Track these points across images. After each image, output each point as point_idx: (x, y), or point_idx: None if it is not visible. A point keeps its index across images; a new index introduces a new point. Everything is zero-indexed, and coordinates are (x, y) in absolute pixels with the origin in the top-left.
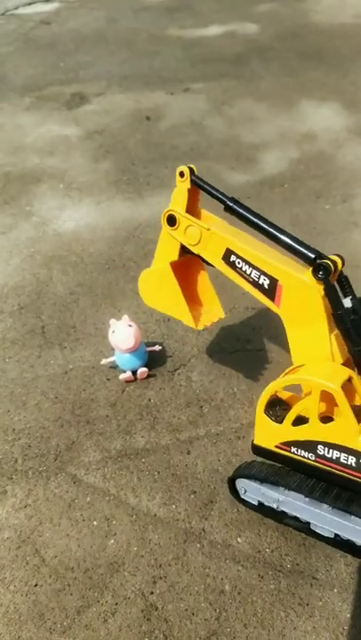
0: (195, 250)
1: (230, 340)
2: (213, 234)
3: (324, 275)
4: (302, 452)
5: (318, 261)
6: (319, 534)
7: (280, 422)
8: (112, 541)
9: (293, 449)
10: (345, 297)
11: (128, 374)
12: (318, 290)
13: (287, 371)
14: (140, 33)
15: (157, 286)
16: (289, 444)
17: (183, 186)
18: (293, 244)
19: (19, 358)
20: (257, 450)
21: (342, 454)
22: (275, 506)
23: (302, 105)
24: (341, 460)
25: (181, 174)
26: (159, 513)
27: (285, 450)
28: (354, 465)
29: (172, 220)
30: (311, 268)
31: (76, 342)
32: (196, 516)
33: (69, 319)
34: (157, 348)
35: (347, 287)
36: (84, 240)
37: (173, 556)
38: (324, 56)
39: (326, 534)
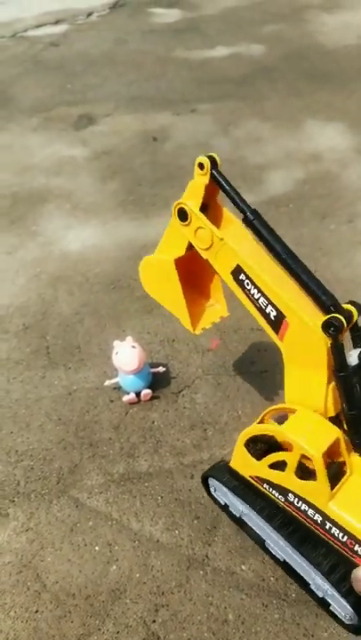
0: (204, 255)
1: (235, 361)
2: (226, 245)
3: (335, 333)
4: (273, 491)
5: (331, 316)
6: (272, 554)
7: (258, 458)
8: (114, 567)
9: (266, 485)
10: (355, 347)
11: (132, 396)
12: (326, 342)
13: (270, 409)
14: (147, 55)
15: (158, 278)
16: (262, 480)
17: (201, 180)
18: (310, 284)
19: (23, 379)
20: (231, 471)
21: (310, 509)
22: (237, 515)
23: (308, 125)
24: (309, 513)
25: (201, 166)
26: (162, 538)
27: (258, 483)
28: (319, 522)
29: (183, 215)
30: (322, 321)
31: (81, 363)
32: (199, 542)
33: (74, 339)
34: (161, 369)
35: (357, 337)
36: (90, 260)
37: (176, 584)
38: (330, 77)
39: (278, 556)
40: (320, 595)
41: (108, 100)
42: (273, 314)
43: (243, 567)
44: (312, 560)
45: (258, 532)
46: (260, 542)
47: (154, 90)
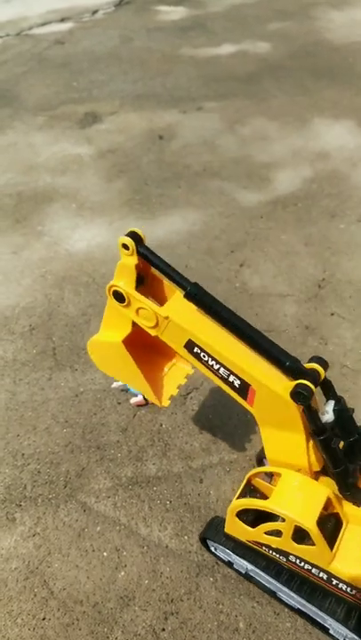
0: (151, 332)
1: None
2: (172, 322)
3: (305, 401)
4: (274, 553)
5: (298, 383)
6: (286, 603)
7: (252, 525)
8: (122, 574)
9: (265, 548)
10: (328, 400)
11: (139, 398)
12: (297, 408)
13: (254, 472)
14: (153, 52)
15: (110, 358)
16: (261, 544)
17: (129, 261)
18: (270, 350)
19: (29, 380)
20: (227, 536)
21: (314, 568)
22: (243, 571)
23: (315, 123)
24: (313, 571)
25: (125, 247)
26: (171, 544)
27: (257, 545)
28: (325, 579)
29: (119, 297)
30: (289, 390)
31: (87, 364)
32: None
33: (80, 341)
34: None
35: (330, 390)
36: (96, 260)
37: (185, 591)
38: (337, 74)
39: (292, 605)
40: (341, 639)
41: (113, 97)
42: (237, 382)
43: None
44: (326, 610)
45: (267, 585)
46: (271, 593)
47: (160, 88)
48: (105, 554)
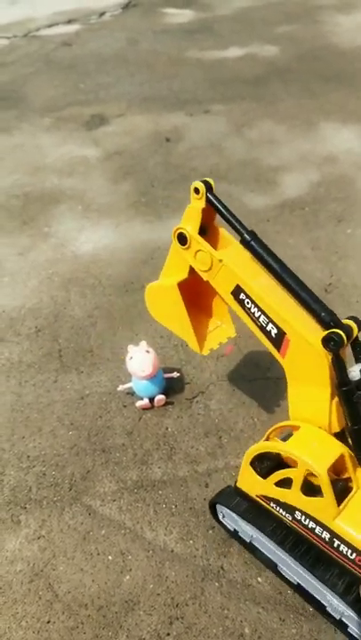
0: (204, 276)
1: (250, 367)
2: (225, 266)
3: (335, 347)
4: (281, 510)
5: (330, 331)
6: (285, 577)
7: (264, 477)
8: (127, 577)
9: (273, 504)
10: (357, 362)
11: (145, 401)
12: (327, 357)
13: (275, 427)
14: (160, 55)
15: (163, 302)
16: (269, 499)
17: (197, 204)
18: (308, 301)
19: (35, 382)
20: (238, 491)
21: (318, 526)
22: (248, 540)
23: (322, 127)
24: (316, 531)
25: (196, 191)
26: (176, 549)
27: (265, 502)
28: (327, 539)
29: (182, 239)
30: (322, 336)
31: (93, 367)
32: (214, 552)
33: (86, 343)
34: (175, 374)
35: (359, 351)
36: (103, 262)
37: (191, 595)
38: (345, 78)
39: (291, 580)
40: (337, 617)
41: (120, 99)
42: (274, 331)
43: (259, 579)
44: (326, 581)
45: (269, 555)
46: (272, 566)
47: (166, 90)
48: (110, 557)
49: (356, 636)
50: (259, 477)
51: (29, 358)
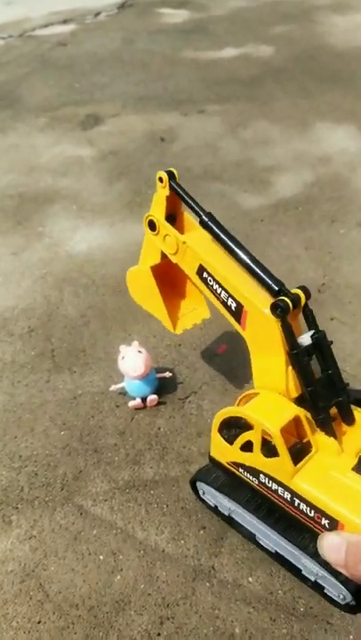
0: (172, 259)
1: (243, 367)
2: (188, 248)
3: (282, 313)
4: (248, 474)
5: (278, 299)
6: (264, 547)
7: (231, 443)
8: (118, 577)
9: (241, 470)
10: (309, 330)
11: (137, 401)
12: (277, 324)
13: (243, 395)
14: (155, 55)
15: (141, 285)
16: (237, 465)
17: (162, 192)
18: (259, 273)
19: (27, 382)
20: (212, 460)
21: (279, 487)
22: (227, 513)
23: (317, 127)
24: (279, 492)
25: (160, 180)
26: (167, 548)
27: (235, 468)
28: (288, 499)
29: (152, 226)
30: (270, 304)
31: (86, 367)
32: (205, 552)
33: (79, 343)
34: (168, 374)
35: (311, 320)
36: (97, 262)
37: (182, 595)
38: (340, 78)
39: (269, 549)
40: (312, 579)
41: (115, 99)
42: (233, 305)
43: (250, 579)
44: (298, 544)
45: (247, 526)
46: (251, 538)
47: (161, 90)
48: (101, 557)
49: (332, 596)
50: (226, 444)
51: (22, 358)
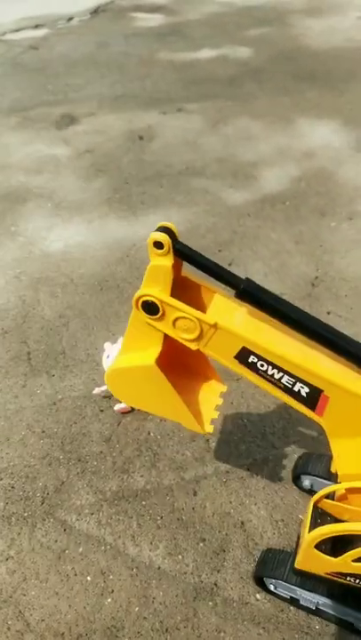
0: (192, 346)
1: None
2: (221, 331)
3: None
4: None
5: None
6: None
7: (334, 555)
8: (109, 600)
9: (350, 578)
10: None
11: (124, 405)
12: None
13: (324, 493)
14: (130, 57)
15: (140, 387)
16: (345, 574)
17: (162, 262)
18: (342, 345)
19: (1, 387)
20: (299, 572)
21: None
22: (313, 607)
23: (299, 123)
24: None
25: (159, 245)
26: (163, 565)
27: (340, 577)
28: None
29: (151, 309)
30: None
31: (66, 370)
32: (206, 567)
33: (58, 344)
34: None
35: None
36: (74, 260)
37: (182, 618)
38: (318, 77)
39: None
40: None
41: (90, 100)
42: (304, 391)
43: (257, 596)
44: None
45: (342, 617)
46: (347, 626)
47: (139, 90)
48: (89, 578)
49: None
50: (329, 558)
51: None
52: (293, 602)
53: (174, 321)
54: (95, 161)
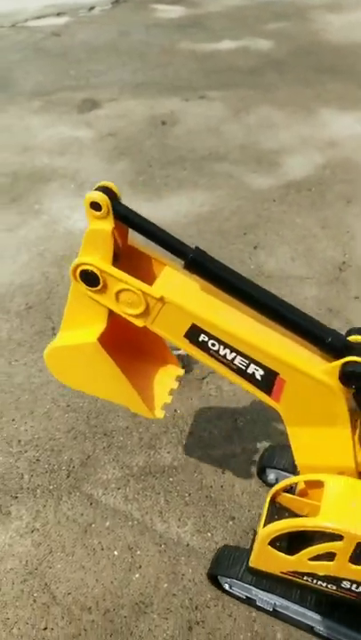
0: (137, 322)
1: None
2: (169, 305)
3: (359, 381)
4: (320, 582)
5: (345, 362)
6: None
7: (290, 553)
8: (137, 575)
9: (307, 577)
10: None
11: None
12: (343, 393)
13: (281, 487)
14: (152, 46)
15: (80, 367)
16: (302, 574)
17: (101, 225)
18: (307, 327)
19: (26, 361)
20: (254, 570)
21: None
22: (270, 608)
23: (322, 113)
24: None
25: (96, 206)
26: (192, 542)
27: (297, 577)
28: None
29: (90, 279)
30: (337, 373)
31: None
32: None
33: None
34: (183, 351)
35: None
36: None
37: (212, 596)
38: (339, 71)
39: (332, 638)
40: None
41: (112, 85)
42: (259, 373)
43: None
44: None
45: (302, 620)
46: (306, 628)
47: (160, 77)
48: (116, 553)
49: None
50: (285, 556)
51: (20, 336)
52: (250, 602)
53: (117, 294)
54: (118, 144)
